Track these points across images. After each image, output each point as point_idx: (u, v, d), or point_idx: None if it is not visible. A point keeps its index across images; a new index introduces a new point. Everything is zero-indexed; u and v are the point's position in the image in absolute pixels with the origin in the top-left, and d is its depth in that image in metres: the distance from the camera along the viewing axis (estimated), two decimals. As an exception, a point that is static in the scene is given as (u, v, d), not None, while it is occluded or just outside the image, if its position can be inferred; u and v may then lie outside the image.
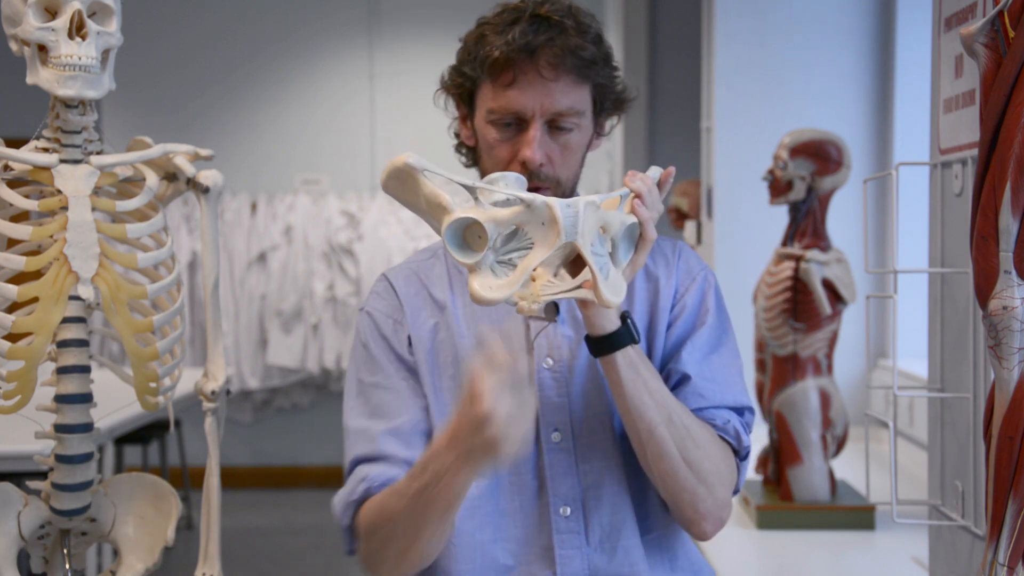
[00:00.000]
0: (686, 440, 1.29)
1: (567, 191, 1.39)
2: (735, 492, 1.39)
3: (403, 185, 1.10)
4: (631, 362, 1.27)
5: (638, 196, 1.21)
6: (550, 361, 1.38)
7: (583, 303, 1.23)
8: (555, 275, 1.10)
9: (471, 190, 1.08)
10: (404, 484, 1.28)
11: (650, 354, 1.40)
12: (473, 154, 1.46)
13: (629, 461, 1.37)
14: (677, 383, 1.37)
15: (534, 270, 1.09)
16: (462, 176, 1.12)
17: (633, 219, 1.18)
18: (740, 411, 1.39)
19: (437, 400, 1.39)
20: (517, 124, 1.36)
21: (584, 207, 1.08)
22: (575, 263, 1.15)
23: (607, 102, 1.43)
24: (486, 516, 1.36)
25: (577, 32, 1.35)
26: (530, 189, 1.34)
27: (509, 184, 1.11)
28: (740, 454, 1.38)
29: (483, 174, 1.41)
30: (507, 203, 1.09)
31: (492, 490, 1.36)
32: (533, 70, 1.34)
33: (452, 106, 1.47)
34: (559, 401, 1.38)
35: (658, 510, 1.39)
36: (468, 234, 1.08)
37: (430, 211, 1.10)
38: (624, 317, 1.27)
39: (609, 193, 1.18)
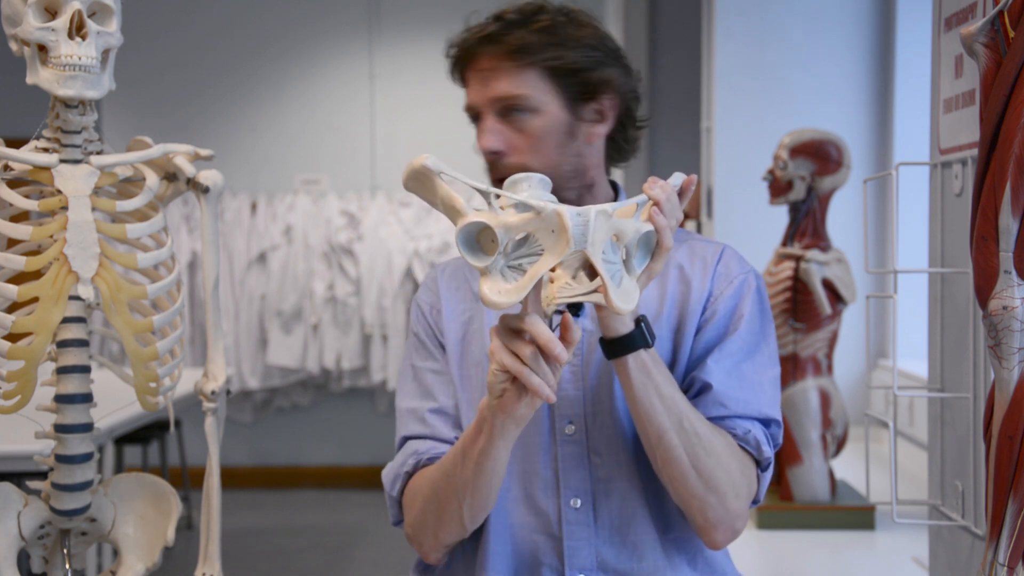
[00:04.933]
0: (696, 447, 1.28)
1: (557, 182, 1.38)
2: (755, 503, 1.38)
3: (422, 185, 1.12)
4: (643, 366, 1.27)
5: (656, 204, 1.20)
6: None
7: (598, 306, 1.23)
8: (573, 277, 1.11)
9: (485, 195, 1.09)
10: (446, 460, 1.34)
11: (675, 358, 1.40)
12: None
13: (643, 458, 1.37)
14: (700, 391, 1.36)
15: (552, 272, 1.10)
16: (479, 182, 1.13)
17: (649, 227, 1.18)
18: (766, 422, 1.37)
19: (463, 389, 1.42)
20: (481, 121, 1.43)
21: (595, 215, 1.08)
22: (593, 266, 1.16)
23: (573, 86, 1.40)
24: (501, 504, 1.38)
25: (520, 23, 1.39)
26: (499, 180, 1.36)
27: (533, 185, 1.11)
28: (761, 465, 1.37)
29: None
30: (525, 208, 1.09)
31: (507, 478, 1.38)
32: (474, 67, 1.42)
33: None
34: (575, 394, 1.39)
35: (677, 509, 1.39)
36: (481, 238, 1.09)
37: (446, 213, 1.11)
38: (639, 321, 1.27)
39: (625, 201, 1.18)
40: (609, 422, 1.38)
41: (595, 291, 1.12)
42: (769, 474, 1.39)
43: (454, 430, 1.42)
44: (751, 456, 1.35)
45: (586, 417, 1.38)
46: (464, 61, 1.43)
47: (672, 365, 1.39)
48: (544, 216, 1.08)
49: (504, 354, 1.12)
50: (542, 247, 1.09)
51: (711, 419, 1.33)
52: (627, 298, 1.12)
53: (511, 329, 1.12)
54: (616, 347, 1.26)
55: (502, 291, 1.08)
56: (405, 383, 1.48)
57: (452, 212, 1.09)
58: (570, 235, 1.06)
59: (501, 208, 1.10)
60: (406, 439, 1.44)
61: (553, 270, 1.10)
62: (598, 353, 1.39)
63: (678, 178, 1.26)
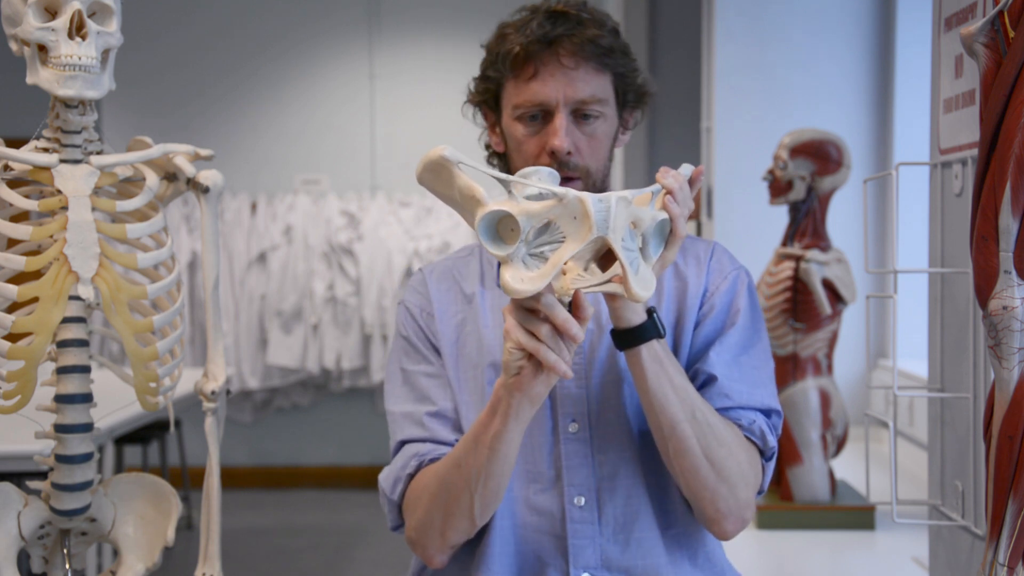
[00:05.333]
0: (709, 437, 1.30)
1: (597, 182, 1.43)
2: (759, 493, 1.39)
3: (438, 177, 1.11)
4: (656, 356, 1.28)
5: (670, 192, 1.21)
6: None
7: (611, 297, 1.24)
8: (585, 269, 1.12)
9: (505, 183, 1.09)
10: (456, 450, 1.32)
11: (676, 353, 1.41)
12: (504, 161, 1.49)
13: (646, 454, 1.38)
14: (704, 383, 1.38)
15: (565, 264, 1.10)
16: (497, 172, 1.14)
17: (664, 215, 1.19)
18: (767, 413, 1.39)
19: (461, 391, 1.42)
20: (543, 117, 1.40)
21: (616, 202, 1.09)
22: (605, 258, 1.17)
23: (629, 93, 1.45)
24: (504, 504, 1.38)
25: (594, 23, 1.40)
26: (561, 180, 1.37)
27: (542, 178, 1.11)
28: (765, 455, 1.38)
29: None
30: (540, 197, 1.09)
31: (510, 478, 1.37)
32: (554, 60, 1.38)
33: (480, 118, 1.52)
34: (577, 392, 1.39)
35: (680, 506, 1.40)
36: (501, 227, 1.09)
37: (464, 203, 1.10)
38: (650, 311, 1.28)
39: (641, 189, 1.18)
40: (613, 419, 1.39)
41: (608, 281, 1.13)
42: (772, 464, 1.40)
43: (454, 433, 1.41)
44: (756, 446, 1.37)
45: (590, 415, 1.39)
46: (538, 54, 1.38)
47: None
48: (566, 202, 1.08)
49: (520, 333, 1.13)
50: (563, 234, 1.09)
51: (716, 410, 1.35)
52: (645, 285, 1.12)
53: (526, 308, 1.13)
54: (629, 338, 1.27)
55: (524, 279, 1.08)
56: (395, 387, 1.47)
57: (472, 202, 1.09)
58: (593, 221, 1.07)
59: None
60: (403, 443, 1.43)
61: (565, 261, 1.10)
62: (600, 351, 1.40)
63: (688, 169, 1.27)
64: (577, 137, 1.39)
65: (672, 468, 1.33)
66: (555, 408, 1.39)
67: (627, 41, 1.45)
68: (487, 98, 1.47)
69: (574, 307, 1.13)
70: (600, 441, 1.38)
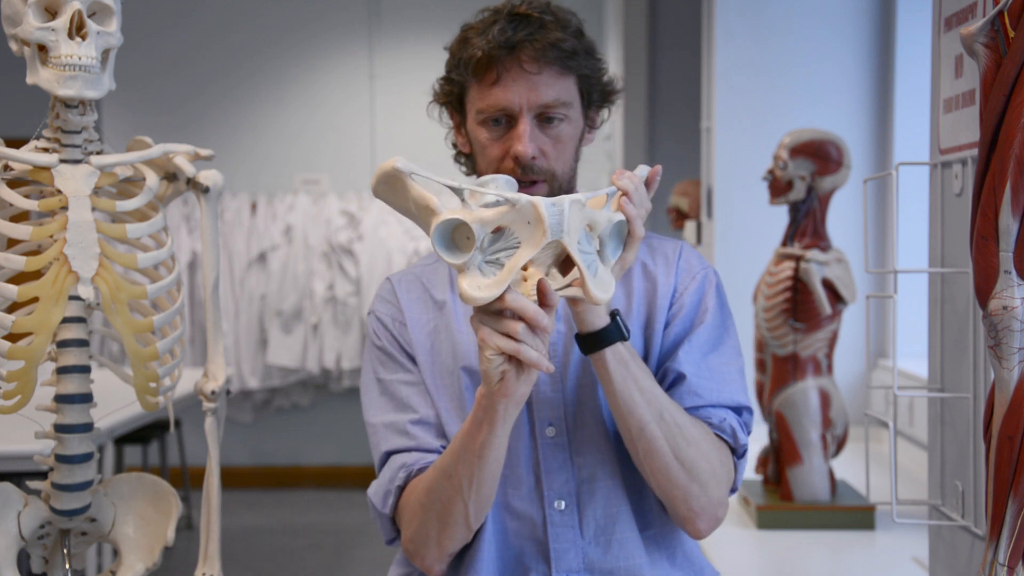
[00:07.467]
0: (678, 438, 1.30)
1: (563, 184, 1.42)
2: (733, 491, 1.39)
3: (392, 189, 1.11)
4: (621, 359, 1.28)
5: (625, 194, 1.20)
6: None
7: (572, 301, 1.24)
8: (546, 274, 1.11)
9: (458, 192, 1.09)
10: (444, 461, 1.31)
11: (647, 353, 1.41)
12: (471, 161, 1.48)
13: (624, 456, 1.38)
14: (673, 382, 1.38)
15: (525, 270, 1.10)
16: (452, 179, 1.13)
17: (620, 216, 1.18)
18: (738, 410, 1.39)
19: (439, 398, 1.42)
20: (507, 121, 1.39)
21: (569, 205, 1.08)
22: (566, 263, 1.16)
23: (594, 94, 1.44)
24: None
25: (557, 26, 1.39)
26: (527, 184, 1.36)
27: (499, 186, 1.11)
28: (737, 452, 1.39)
29: (480, 176, 1.42)
30: (496, 204, 1.09)
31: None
32: (516, 65, 1.37)
33: (447, 117, 1.52)
34: (553, 396, 1.39)
35: (656, 507, 1.40)
36: (456, 235, 1.09)
37: (418, 214, 1.10)
38: (613, 314, 1.28)
39: (595, 191, 1.18)
40: (591, 422, 1.38)
41: (570, 285, 1.13)
42: (745, 462, 1.41)
43: (439, 439, 1.40)
44: (727, 444, 1.37)
45: (567, 419, 1.39)
46: (500, 59, 1.37)
47: (645, 360, 1.40)
48: (519, 208, 1.08)
49: (496, 337, 1.12)
50: (518, 240, 1.09)
51: (686, 409, 1.35)
52: (604, 288, 1.12)
53: (493, 312, 1.12)
54: (593, 342, 1.27)
55: (481, 286, 1.08)
56: (373, 398, 1.45)
57: (426, 212, 1.09)
58: (546, 225, 1.07)
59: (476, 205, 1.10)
60: (389, 454, 1.41)
61: (525, 268, 1.10)
62: (574, 355, 1.40)
63: (644, 169, 1.27)
64: (542, 141, 1.38)
65: (643, 469, 1.34)
66: (532, 413, 1.39)
67: (592, 40, 1.44)
68: (451, 100, 1.46)
69: (540, 296, 1.12)
70: (578, 444, 1.38)
